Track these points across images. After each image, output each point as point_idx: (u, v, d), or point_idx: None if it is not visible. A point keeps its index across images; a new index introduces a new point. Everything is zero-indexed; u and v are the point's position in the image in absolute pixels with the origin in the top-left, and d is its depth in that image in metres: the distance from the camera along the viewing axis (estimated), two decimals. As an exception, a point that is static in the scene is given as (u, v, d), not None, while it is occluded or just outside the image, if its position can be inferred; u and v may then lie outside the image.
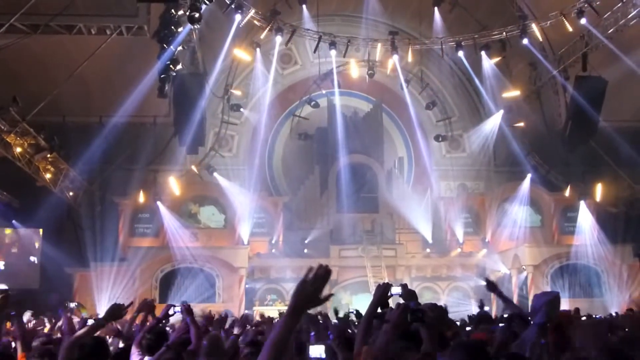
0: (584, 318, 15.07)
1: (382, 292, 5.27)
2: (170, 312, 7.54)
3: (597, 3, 24.59)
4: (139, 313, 8.61)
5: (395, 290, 5.45)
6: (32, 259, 27.77)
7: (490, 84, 31.13)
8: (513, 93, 30.98)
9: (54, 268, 26.76)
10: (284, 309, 25.62)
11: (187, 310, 7.40)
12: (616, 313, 20.77)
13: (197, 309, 15.43)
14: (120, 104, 25.34)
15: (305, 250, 30.71)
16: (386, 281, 7.56)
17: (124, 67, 25.97)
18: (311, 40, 29.81)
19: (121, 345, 8.33)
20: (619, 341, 4.71)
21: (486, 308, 29.32)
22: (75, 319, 12.47)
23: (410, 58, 30.24)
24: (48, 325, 13.22)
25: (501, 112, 31.70)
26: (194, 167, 31.01)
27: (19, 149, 22.95)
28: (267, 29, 27.80)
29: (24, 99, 21.37)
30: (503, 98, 31.42)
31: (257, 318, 23.78)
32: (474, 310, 25.06)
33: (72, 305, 18.30)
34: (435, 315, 4.88)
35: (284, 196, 33.27)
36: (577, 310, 17.10)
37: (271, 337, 3.16)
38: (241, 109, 32.14)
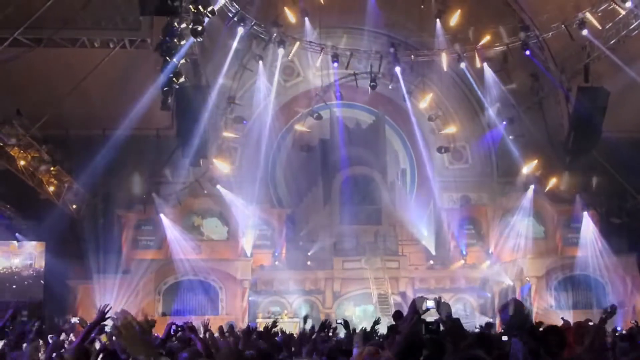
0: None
1: (416, 306, 5.31)
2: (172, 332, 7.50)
3: (599, 14, 24.65)
4: None
5: (430, 304, 5.46)
6: (36, 272, 27.79)
7: (492, 95, 31.19)
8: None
9: (57, 280, 26.80)
10: (289, 320, 25.64)
11: (190, 328, 7.39)
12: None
13: (199, 321, 15.38)
14: (124, 116, 25.40)
15: (309, 262, 30.70)
16: (423, 295, 7.60)
17: (127, 80, 26.05)
18: (313, 52, 29.90)
19: None
20: None
21: (490, 320, 29.37)
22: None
23: (412, 69, 30.39)
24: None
25: (503, 123, 31.74)
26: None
27: (22, 162, 23.01)
28: (270, 41, 27.92)
29: (27, 112, 21.48)
30: (505, 109, 31.48)
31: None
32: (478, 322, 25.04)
33: (75, 320, 18.02)
34: (450, 327, 4.87)
35: (287, 208, 33.25)
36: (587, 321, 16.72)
37: None
38: (244, 121, 32.14)
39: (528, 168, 31.54)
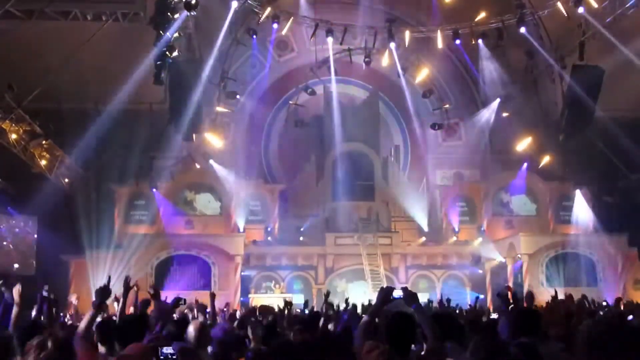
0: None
1: (385, 295, 5.43)
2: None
3: (595, -9, 24.52)
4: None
5: (397, 293, 5.55)
6: (28, 246, 27.74)
7: (487, 72, 31.11)
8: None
9: (49, 255, 26.72)
10: (281, 295, 25.73)
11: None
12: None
13: (193, 296, 15.43)
14: (116, 90, 25.21)
15: (301, 238, 30.76)
16: (387, 285, 7.71)
17: (119, 54, 25.77)
18: (308, 27, 29.68)
19: None
20: None
21: (481, 296, 29.55)
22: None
23: (407, 45, 30.22)
24: None
25: (498, 100, 31.69)
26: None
27: (14, 136, 22.91)
28: (264, 15, 27.70)
29: (19, 85, 21.29)
30: (500, 87, 31.42)
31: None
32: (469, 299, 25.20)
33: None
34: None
35: (280, 184, 33.26)
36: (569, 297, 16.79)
37: None
38: (237, 96, 31.96)
39: (521, 146, 31.57)
